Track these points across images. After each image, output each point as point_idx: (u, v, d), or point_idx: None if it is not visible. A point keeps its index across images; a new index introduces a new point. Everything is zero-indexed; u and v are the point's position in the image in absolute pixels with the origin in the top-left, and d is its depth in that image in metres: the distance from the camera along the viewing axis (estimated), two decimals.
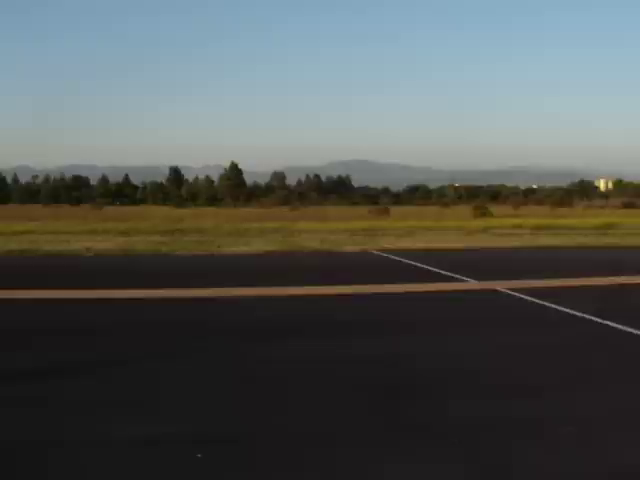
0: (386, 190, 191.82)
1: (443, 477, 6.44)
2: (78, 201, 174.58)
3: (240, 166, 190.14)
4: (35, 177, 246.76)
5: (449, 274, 22.05)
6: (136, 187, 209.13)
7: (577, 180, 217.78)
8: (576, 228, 47.02)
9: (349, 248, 31.88)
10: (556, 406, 8.57)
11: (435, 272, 22.85)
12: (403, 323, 14.34)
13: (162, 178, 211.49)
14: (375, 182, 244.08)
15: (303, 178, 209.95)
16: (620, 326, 13.45)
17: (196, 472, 6.50)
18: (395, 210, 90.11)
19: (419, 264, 25.08)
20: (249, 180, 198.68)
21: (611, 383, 9.64)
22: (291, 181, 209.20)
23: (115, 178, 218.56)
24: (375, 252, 30.32)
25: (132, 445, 7.17)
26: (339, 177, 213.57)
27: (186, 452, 6.92)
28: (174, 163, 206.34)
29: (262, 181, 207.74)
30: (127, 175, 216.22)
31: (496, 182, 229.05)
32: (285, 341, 12.52)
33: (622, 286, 19.68)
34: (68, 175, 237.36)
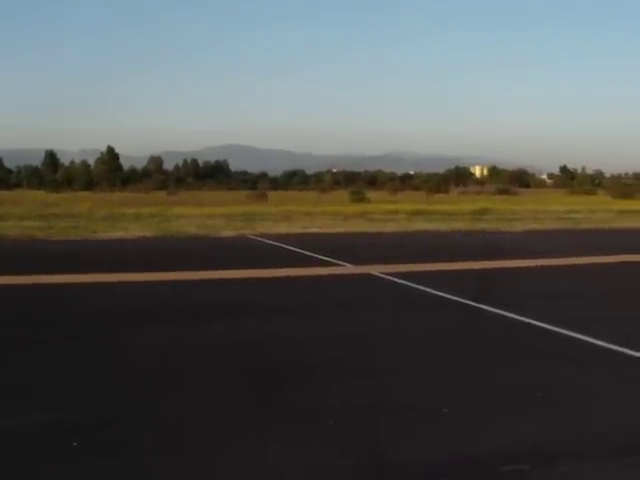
0: (264, 175, 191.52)
1: (319, 459, 6.44)
2: None
3: (117, 150, 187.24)
4: None
5: (326, 258, 22.13)
6: (10, 171, 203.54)
7: (453, 167, 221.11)
8: (452, 214, 47.75)
9: (226, 233, 31.70)
10: (428, 388, 8.67)
11: (312, 256, 22.89)
12: (276, 307, 14.35)
13: (37, 162, 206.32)
14: (255, 168, 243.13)
15: (180, 163, 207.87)
16: (492, 309, 13.72)
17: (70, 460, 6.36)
18: (273, 195, 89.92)
19: (296, 249, 25.10)
20: (126, 165, 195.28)
21: (481, 365, 9.81)
22: (168, 166, 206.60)
23: None
24: (252, 237, 30.23)
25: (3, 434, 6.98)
26: (216, 162, 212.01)
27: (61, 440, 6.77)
28: (50, 147, 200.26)
29: (139, 166, 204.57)
30: (0, 159, 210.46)
31: (375, 168, 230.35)
32: (163, 326, 12.39)
33: (496, 270, 20.12)
34: None
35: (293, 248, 25.38)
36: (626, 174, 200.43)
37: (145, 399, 8.22)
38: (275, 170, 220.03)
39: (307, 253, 23.76)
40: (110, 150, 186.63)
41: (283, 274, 18.72)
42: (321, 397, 8.25)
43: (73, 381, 8.93)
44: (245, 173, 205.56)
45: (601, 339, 11.03)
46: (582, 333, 11.47)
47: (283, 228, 34.21)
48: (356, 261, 21.26)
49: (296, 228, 34.48)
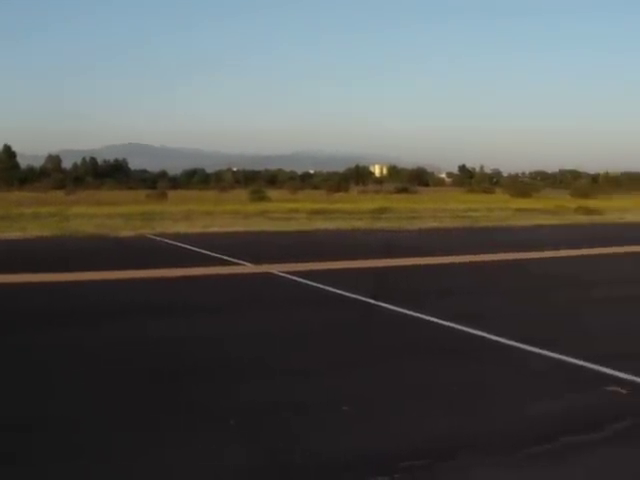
0: (163, 174, 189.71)
1: (222, 458, 6.41)
2: None
3: (14, 149, 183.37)
4: None
5: (226, 258, 22.04)
6: None
7: (353, 165, 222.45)
8: (352, 212, 47.98)
9: (125, 233, 31.28)
10: (327, 386, 8.70)
11: (212, 256, 22.77)
12: (174, 307, 14.24)
13: None
14: (154, 166, 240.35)
15: (79, 162, 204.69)
16: (390, 306, 13.86)
17: None
18: (173, 194, 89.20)
19: (196, 248, 24.94)
20: (23, 163, 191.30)
21: (381, 362, 9.89)
22: (67, 165, 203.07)
23: None
24: (151, 236, 29.91)
25: None
26: (115, 161, 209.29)
27: None
28: None
29: (37, 164, 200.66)
30: None
31: (278, 167, 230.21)
32: (64, 328, 12.20)
33: (394, 268, 20.33)
34: None
35: (193, 248, 25.20)
36: (523, 173, 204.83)
37: (49, 400, 8.07)
38: (173, 169, 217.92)
39: (207, 252, 23.62)
40: (7, 148, 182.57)
41: (182, 274, 18.58)
42: (223, 397, 8.21)
43: None
44: (144, 172, 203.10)
45: (496, 334, 11.24)
46: (477, 328, 11.67)
47: (183, 227, 33.92)
48: (256, 260, 21.21)
49: (196, 227, 34.22)
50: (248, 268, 20.20)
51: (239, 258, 21.65)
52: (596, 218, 46.95)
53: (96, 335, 11.66)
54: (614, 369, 9.19)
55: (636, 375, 8.93)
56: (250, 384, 8.77)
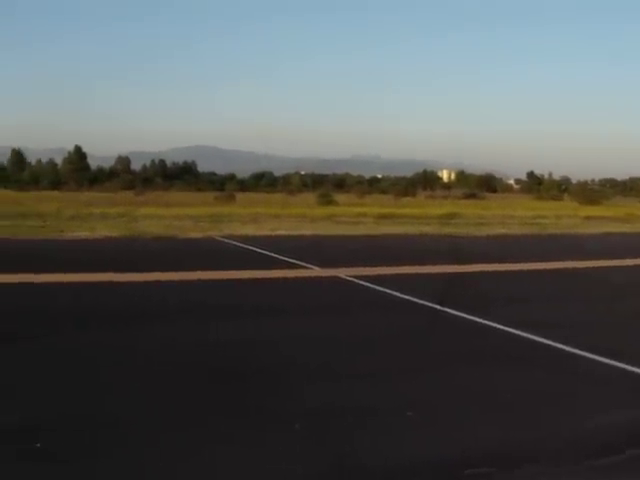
0: (232, 177, 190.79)
1: (289, 462, 6.47)
2: None
3: (84, 150, 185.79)
4: None
5: (293, 261, 22.13)
6: None
7: (421, 170, 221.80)
8: (419, 217, 47.83)
9: (194, 234, 31.56)
10: (392, 392, 8.73)
11: (279, 259, 22.89)
12: (244, 309, 14.33)
13: (2, 160, 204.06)
14: (221, 169, 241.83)
15: (148, 163, 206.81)
16: (459, 313, 13.81)
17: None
18: (241, 197, 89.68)
19: (264, 251, 25.07)
20: (93, 164, 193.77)
21: (446, 368, 9.90)
22: (136, 166, 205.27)
23: None
24: (220, 239, 30.12)
25: None
26: (184, 163, 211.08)
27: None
28: (13, 144, 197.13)
29: (107, 165, 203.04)
30: None
31: (340, 171, 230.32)
32: (134, 326, 12.40)
33: (463, 274, 20.25)
34: None
35: (260, 250, 25.35)
36: (592, 180, 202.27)
37: (119, 399, 8.23)
38: (241, 171, 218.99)
39: (274, 255, 23.74)
40: (77, 149, 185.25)
41: (249, 276, 18.71)
42: (291, 400, 8.28)
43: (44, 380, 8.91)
44: (213, 174, 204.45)
45: (563, 344, 11.16)
46: (543, 336, 11.60)
47: (250, 230, 34.11)
48: (324, 264, 21.28)
49: (264, 230, 34.39)
50: (315, 272, 20.27)
51: (306, 261, 21.73)
52: None
53: (165, 335, 11.80)
54: None
55: None
56: (316, 387, 8.83)
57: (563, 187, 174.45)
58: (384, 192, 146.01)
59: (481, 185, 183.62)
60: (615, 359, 10.19)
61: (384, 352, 10.89)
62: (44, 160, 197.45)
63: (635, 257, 25.43)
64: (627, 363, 9.96)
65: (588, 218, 52.16)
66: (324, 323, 13.11)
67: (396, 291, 16.41)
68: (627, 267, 23.19)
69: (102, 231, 31.42)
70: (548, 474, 6.25)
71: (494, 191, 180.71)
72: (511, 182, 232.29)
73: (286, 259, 22.66)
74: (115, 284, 17.20)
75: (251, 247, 26.38)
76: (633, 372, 9.63)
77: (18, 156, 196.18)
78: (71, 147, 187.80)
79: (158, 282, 17.62)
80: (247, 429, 7.34)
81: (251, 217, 43.31)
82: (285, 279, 18.74)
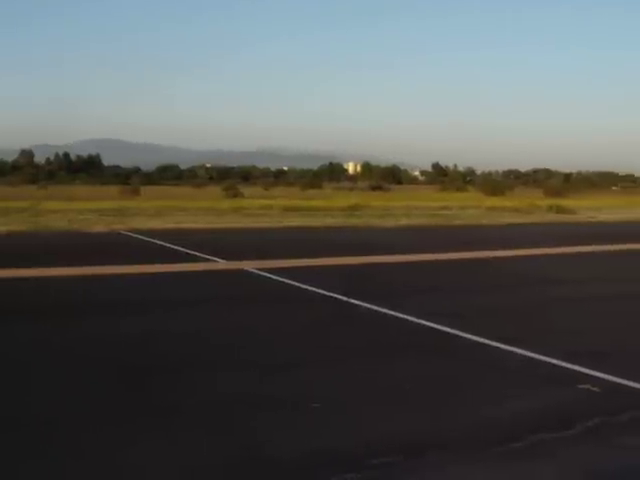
0: (137, 170, 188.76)
1: (197, 455, 6.39)
2: None
3: None
4: None
5: (198, 254, 21.97)
6: None
7: (327, 163, 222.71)
8: (325, 209, 47.96)
9: (98, 228, 31.11)
10: (299, 382, 8.71)
11: (185, 252, 22.70)
12: (143, 303, 14.21)
13: None
14: (127, 162, 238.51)
15: (52, 156, 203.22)
16: (364, 304, 13.86)
17: None
18: (146, 190, 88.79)
19: (169, 244, 24.83)
20: None
21: (353, 357, 9.91)
22: (40, 159, 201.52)
23: None
24: (124, 232, 29.75)
25: None
26: (89, 156, 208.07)
27: None
28: None
29: (9, 159, 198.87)
30: None
31: (246, 164, 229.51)
32: (34, 322, 12.14)
33: (366, 265, 20.37)
34: None
35: (166, 244, 25.09)
36: (496, 172, 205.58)
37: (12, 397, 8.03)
38: (147, 164, 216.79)
39: (180, 249, 23.54)
40: None
41: (153, 270, 18.51)
42: (194, 392, 8.20)
43: None
44: (118, 167, 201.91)
45: (468, 332, 11.29)
46: (449, 326, 11.73)
47: (156, 223, 33.75)
48: (229, 257, 21.17)
49: (169, 224, 34.09)
50: (220, 265, 20.16)
51: (212, 254, 21.59)
52: (568, 217, 47.20)
53: (66, 332, 11.61)
54: (586, 367, 9.25)
55: (608, 373, 8.99)
56: (220, 379, 8.75)
57: (468, 178, 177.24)
58: (290, 184, 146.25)
59: (386, 177, 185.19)
60: (520, 347, 10.33)
61: (289, 344, 10.86)
62: None
63: (536, 247, 25.93)
64: (532, 351, 10.10)
65: (492, 209, 52.97)
66: (228, 316, 13.05)
67: (302, 283, 16.41)
68: (529, 256, 23.61)
69: (3, 226, 30.72)
70: (452, 461, 6.29)
71: (399, 183, 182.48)
72: (416, 174, 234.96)
73: (192, 252, 22.48)
74: (15, 280, 16.87)
75: (156, 241, 26.10)
76: (539, 360, 9.76)
77: None
78: None
79: (59, 277, 17.35)
80: (152, 423, 7.24)
81: (156, 211, 42.87)
82: (190, 273, 18.61)
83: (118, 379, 8.82)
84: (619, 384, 8.66)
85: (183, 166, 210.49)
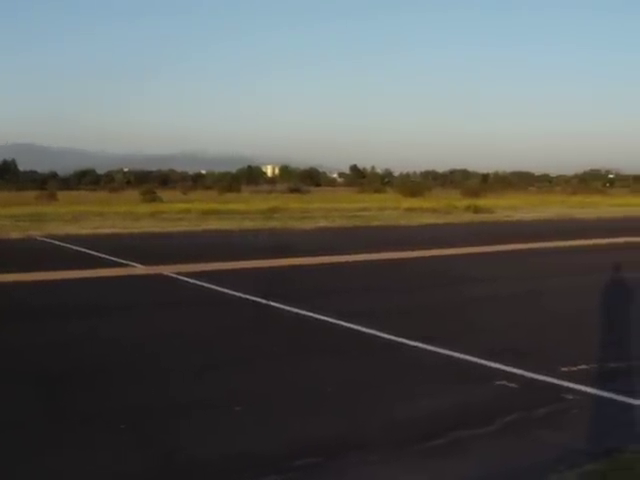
0: (54, 175, 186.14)
1: (116, 463, 6.32)
2: None
3: None
4: None
5: (116, 259, 21.75)
6: None
7: (246, 166, 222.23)
8: (243, 212, 47.88)
9: (13, 234, 30.60)
10: (218, 387, 8.67)
11: (102, 258, 22.45)
12: (60, 310, 14.03)
13: None
14: (45, 167, 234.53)
15: None
16: (283, 306, 13.88)
17: None
18: (63, 195, 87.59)
19: (86, 250, 24.54)
20: None
21: (273, 360, 9.91)
22: None
23: None
24: (41, 238, 29.31)
25: None
26: (4, 161, 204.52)
27: None
28: None
29: None
30: None
31: (168, 167, 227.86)
32: None
33: (285, 268, 20.40)
34: None
35: (83, 249, 24.80)
36: (414, 173, 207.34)
37: None
38: (66, 169, 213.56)
39: (97, 254, 23.27)
40: None
41: (69, 276, 18.26)
42: (115, 400, 8.10)
43: None
44: (34, 173, 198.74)
45: (384, 332, 11.37)
46: (367, 326, 11.81)
47: (73, 229, 33.34)
48: (148, 262, 20.99)
49: (86, 229, 33.69)
50: (138, 270, 19.98)
51: (130, 260, 21.39)
52: (485, 216, 47.89)
53: None
54: (503, 364, 9.38)
55: (524, 369, 9.12)
56: (141, 385, 8.68)
57: (386, 180, 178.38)
58: (209, 188, 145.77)
59: (305, 179, 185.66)
60: (438, 345, 10.44)
61: (210, 347, 10.81)
62: None
63: (453, 247, 26.24)
64: (450, 349, 10.20)
65: (410, 210, 53.41)
66: (145, 322, 12.94)
67: (221, 287, 16.36)
68: (446, 256, 23.88)
69: None
70: (372, 461, 6.32)
71: (318, 185, 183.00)
72: (335, 176, 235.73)
73: (109, 258, 22.25)
74: None
75: (73, 246, 25.78)
76: (457, 358, 9.86)
77: None
78: None
79: None
80: (72, 431, 7.14)
81: (73, 216, 42.32)
82: (107, 278, 18.40)
83: (32, 386, 8.68)
84: (535, 379, 8.80)
85: (102, 170, 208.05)
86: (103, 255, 22.94)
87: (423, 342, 10.71)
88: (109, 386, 8.66)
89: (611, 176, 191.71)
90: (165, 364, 9.77)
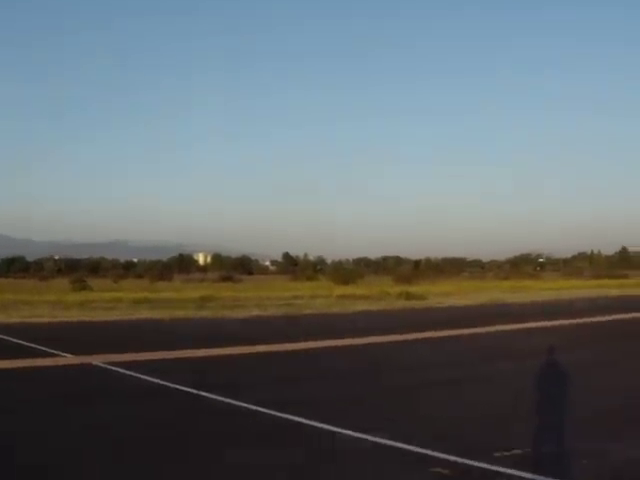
0: None
1: None
2: None
3: None
4: None
5: (44, 349, 21.34)
6: None
7: (177, 254, 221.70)
8: (175, 301, 47.59)
9: None
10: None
11: (30, 347, 22.02)
12: None
13: None
14: None
15: None
16: (214, 396, 13.75)
17: None
18: None
19: (13, 339, 24.12)
20: None
21: (206, 449, 9.75)
22: None
23: None
24: None
25: None
26: None
27: None
28: None
29: None
30: None
31: (99, 255, 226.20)
32: None
33: (215, 358, 20.25)
34: None
35: (9, 338, 24.34)
36: (347, 260, 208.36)
37: None
38: None
39: (24, 343, 22.85)
40: None
41: None
42: None
43: None
44: None
45: (313, 420, 11.29)
46: (295, 415, 11.74)
47: (1, 318, 32.75)
48: (77, 351, 20.64)
49: (14, 318, 33.15)
50: (67, 359, 19.61)
51: (58, 349, 21.00)
52: (418, 303, 48.20)
53: None
54: (436, 450, 9.34)
55: (455, 455, 9.10)
56: None
57: (318, 267, 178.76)
58: (140, 276, 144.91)
59: (237, 267, 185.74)
60: (370, 434, 10.37)
61: (132, 443, 10.53)
62: None
63: (384, 334, 26.31)
64: (383, 437, 10.14)
65: (342, 297, 53.55)
66: (67, 415, 12.57)
67: (151, 377, 16.15)
68: (377, 344, 23.91)
69: None
70: None
71: (250, 273, 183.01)
72: (267, 263, 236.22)
73: (37, 347, 21.84)
74: None
75: (0, 335, 25.27)
76: (391, 446, 9.80)
77: None
78: None
79: None
80: None
81: (1, 304, 41.62)
82: (33, 368, 17.98)
83: None
84: (469, 465, 8.76)
85: (32, 258, 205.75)
86: (31, 344, 22.52)
87: (352, 430, 10.64)
88: None
89: (541, 260, 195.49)
90: (69, 461, 9.50)
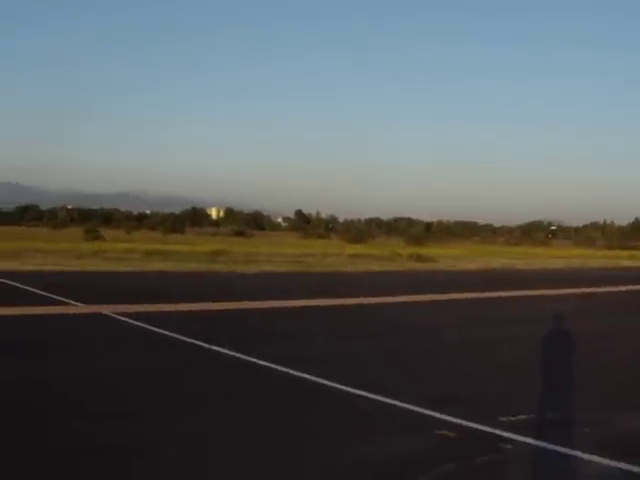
0: None
1: None
2: None
3: None
4: None
5: (56, 297, 21.46)
6: None
7: (190, 207, 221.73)
8: (187, 254, 47.68)
9: None
10: (158, 430, 8.57)
11: (42, 295, 22.13)
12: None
13: None
14: None
15: None
16: (222, 349, 13.79)
17: None
18: (3, 231, 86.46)
19: (26, 287, 24.21)
20: None
21: (210, 402, 9.83)
22: None
23: None
24: None
25: None
26: None
27: None
28: None
29: None
30: None
31: (108, 206, 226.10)
32: None
33: (228, 311, 20.30)
34: None
35: (23, 286, 24.46)
36: (359, 219, 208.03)
37: None
38: (6, 204, 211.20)
39: (37, 292, 22.96)
40: None
41: (6, 313, 17.95)
42: (34, 441, 7.96)
43: None
44: None
45: (328, 379, 11.34)
46: (305, 372, 11.77)
47: (13, 265, 32.87)
48: (88, 300, 20.74)
49: (28, 265, 33.29)
50: (78, 308, 19.72)
51: (70, 298, 21.10)
52: (428, 265, 48.23)
53: None
54: (442, 413, 9.39)
55: (463, 418, 9.15)
56: (72, 425, 8.51)
57: (330, 225, 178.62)
58: (153, 228, 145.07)
59: (249, 223, 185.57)
60: (379, 394, 10.41)
61: (142, 391, 10.64)
62: None
63: (395, 295, 26.37)
64: (391, 398, 10.18)
65: (353, 256, 53.60)
66: (77, 363, 12.68)
67: (162, 328, 16.18)
68: (385, 304, 23.97)
69: None
70: None
71: (262, 229, 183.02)
72: (279, 220, 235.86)
73: (49, 295, 21.95)
74: None
75: (13, 283, 25.41)
76: (398, 406, 9.85)
77: None
78: None
79: None
80: None
81: (13, 252, 41.75)
82: (44, 316, 18.09)
83: None
84: (474, 429, 8.81)
85: (45, 207, 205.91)
86: (43, 292, 22.63)
87: (362, 389, 10.67)
88: (34, 428, 8.48)
89: (553, 228, 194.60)
90: (91, 407, 9.61)
